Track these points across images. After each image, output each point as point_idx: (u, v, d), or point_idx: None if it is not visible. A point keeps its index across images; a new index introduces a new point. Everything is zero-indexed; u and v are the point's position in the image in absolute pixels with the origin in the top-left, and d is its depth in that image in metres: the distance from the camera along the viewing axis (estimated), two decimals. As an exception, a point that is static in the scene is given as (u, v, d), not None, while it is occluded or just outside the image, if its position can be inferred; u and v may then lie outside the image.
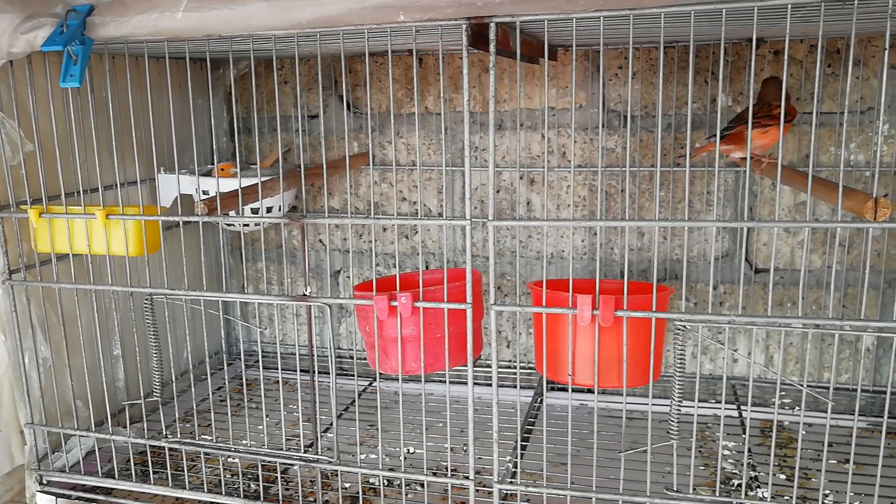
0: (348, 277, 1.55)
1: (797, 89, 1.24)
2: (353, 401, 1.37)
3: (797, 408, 1.29)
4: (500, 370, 1.17)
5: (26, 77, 0.99)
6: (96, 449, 1.13)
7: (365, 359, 1.52)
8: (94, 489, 1.13)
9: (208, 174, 1.32)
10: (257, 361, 1.57)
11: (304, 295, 0.95)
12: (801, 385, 0.80)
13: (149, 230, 1.01)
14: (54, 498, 1.12)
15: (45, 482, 1.13)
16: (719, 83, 0.78)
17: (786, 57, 0.80)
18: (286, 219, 0.95)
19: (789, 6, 0.73)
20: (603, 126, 1.34)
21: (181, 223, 1.00)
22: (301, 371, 1.51)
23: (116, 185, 1.00)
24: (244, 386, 1.05)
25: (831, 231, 1.26)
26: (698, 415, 0.95)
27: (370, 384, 1.44)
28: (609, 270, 1.38)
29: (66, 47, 0.86)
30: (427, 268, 1.48)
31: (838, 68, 1.23)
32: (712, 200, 1.31)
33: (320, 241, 1.55)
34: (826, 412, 1.21)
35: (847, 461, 1.12)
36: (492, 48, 0.81)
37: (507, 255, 1.44)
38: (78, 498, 1.11)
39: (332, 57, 1.44)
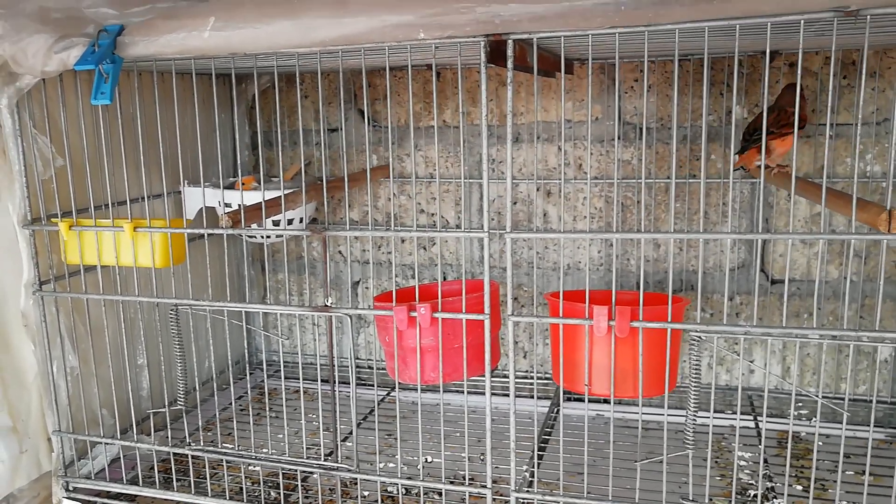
0: (367, 288, 1.57)
1: (813, 101, 1.25)
2: (372, 410, 1.39)
3: (813, 419, 1.29)
4: (516, 381, 1.18)
5: (58, 94, 1.03)
6: (121, 456, 1.16)
7: (382, 369, 1.54)
8: (118, 496, 1.15)
9: (230, 187, 1.34)
10: (277, 371, 1.59)
11: (326, 305, 0.97)
12: (817, 396, 0.81)
13: (174, 242, 1.04)
14: (80, 504, 1.15)
15: (71, 489, 1.15)
16: (734, 95, 0.79)
17: (799, 69, 0.81)
18: (308, 231, 0.97)
19: (802, 21, 0.75)
20: (619, 138, 1.35)
21: (206, 235, 1.03)
22: (319, 381, 1.53)
23: (144, 199, 1.03)
24: (266, 395, 1.07)
25: (847, 242, 1.27)
26: (714, 425, 0.96)
27: (388, 394, 1.45)
28: (625, 281, 1.39)
29: (97, 66, 0.89)
30: (444, 279, 1.50)
31: (854, 80, 1.23)
32: (727, 212, 1.32)
33: (339, 252, 1.57)
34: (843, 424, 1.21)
35: (864, 473, 1.11)
36: (509, 64, 0.83)
37: (523, 266, 1.45)
38: (103, 504, 1.14)
39: (352, 72, 1.47)
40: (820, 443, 0.99)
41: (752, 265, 1.34)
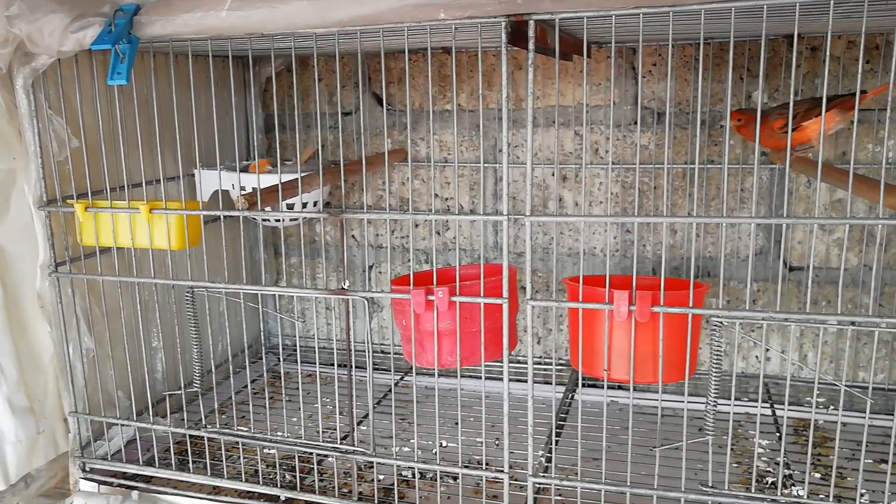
0: (380, 273, 1.56)
1: (834, 86, 1.23)
2: (385, 395, 1.39)
3: (832, 407, 1.28)
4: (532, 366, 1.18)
5: (73, 74, 1.02)
6: (137, 437, 1.16)
7: (397, 353, 1.54)
8: (134, 477, 1.15)
9: (244, 170, 1.34)
10: (290, 355, 1.59)
11: (343, 289, 0.97)
12: (840, 384, 0.80)
13: (190, 224, 1.03)
14: (96, 485, 1.15)
15: (87, 469, 1.16)
16: (760, 80, 0.78)
17: (827, 53, 0.80)
18: (325, 214, 0.96)
19: (832, 2, 0.73)
20: (636, 122, 1.34)
21: (221, 217, 1.02)
22: (331, 365, 1.53)
23: (161, 180, 1.03)
24: (281, 378, 1.07)
25: (868, 229, 1.25)
26: (730, 412, 0.95)
27: (401, 378, 1.45)
28: (641, 267, 1.38)
29: (114, 46, 0.88)
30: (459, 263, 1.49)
31: (877, 64, 1.21)
32: (745, 198, 1.31)
33: (353, 236, 1.56)
34: (860, 411, 1.20)
35: (883, 461, 1.11)
36: (531, 45, 0.82)
37: (538, 251, 1.44)
38: (119, 485, 1.14)
39: (366, 55, 1.46)
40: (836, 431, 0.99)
41: (770, 252, 1.32)
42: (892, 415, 1.21)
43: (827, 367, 1.33)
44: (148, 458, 1.17)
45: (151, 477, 1.15)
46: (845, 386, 0.83)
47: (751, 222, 0.81)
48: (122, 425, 1.18)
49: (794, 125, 1.04)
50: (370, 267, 1.57)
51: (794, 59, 0.80)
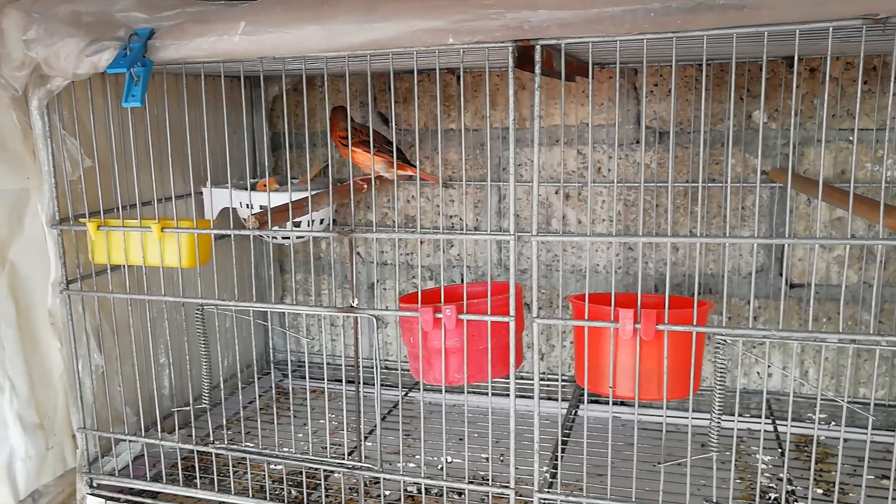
0: (385, 289, 1.58)
1: (833, 105, 1.26)
2: (390, 410, 1.40)
3: (833, 423, 1.29)
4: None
5: (86, 96, 1.04)
6: (145, 453, 1.17)
7: (404, 369, 1.55)
8: (141, 492, 1.16)
9: (252, 188, 1.36)
10: (295, 371, 1.60)
11: (352, 307, 0.98)
12: (842, 400, 0.81)
13: (201, 243, 1.05)
14: (104, 500, 1.16)
15: (95, 485, 1.17)
16: (761, 101, 0.80)
17: (827, 75, 0.82)
18: (335, 233, 0.98)
19: (830, 28, 0.75)
20: (638, 142, 1.36)
21: (232, 236, 1.04)
22: (339, 381, 1.54)
23: (172, 199, 1.04)
24: (290, 394, 1.08)
25: (867, 247, 1.27)
26: (732, 428, 0.97)
27: (406, 394, 1.46)
28: (643, 284, 1.39)
29: (129, 69, 0.90)
30: (463, 281, 1.50)
31: (874, 85, 1.24)
32: (746, 216, 1.32)
33: (358, 253, 1.58)
34: (862, 427, 1.21)
35: (884, 477, 1.12)
36: (537, 69, 0.84)
37: (541, 268, 1.46)
38: (126, 501, 1.15)
39: (372, 75, 1.48)
40: (838, 447, 0.99)
41: (771, 269, 1.34)
42: (894, 431, 1.22)
43: (828, 384, 1.35)
44: (155, 474, 1.18)
45: (158, 493, 1.16)
46: (847, 402, 0.84)
47: (753, 242, 0.83)
48: (130, 441, 1.19)
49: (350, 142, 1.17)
50: (373, 284, 1.59)
51: (794, 81, 0.81)
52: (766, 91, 1.28)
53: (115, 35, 0.94)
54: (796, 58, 0.77)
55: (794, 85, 0.82)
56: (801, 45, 0.98)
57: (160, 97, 1.01)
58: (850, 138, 1.26)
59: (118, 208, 1.05)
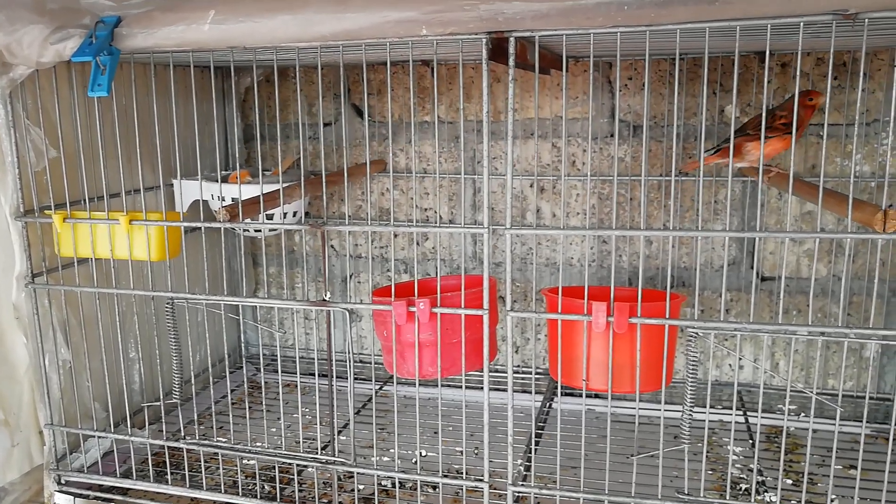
0: (359, 282, 1.57)
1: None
2: (365, 404, 1.39)
3: (803, 414, 1.31)
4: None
5: (51, 85, 1.02)
6: (114, 449, 1.15)
7: (377, 363, 1.54)
8: (111, 489, 1.14)
9: (223, 180, 1.34)
10: (268, 365, 1.59)
11: (324, 300, 0.97)
12: (811, 392, 0.82)
13: (171, 235, 1.03)
14: (72, 498, 1.14)
15: (63, 482, 1.14)
16: (733, 96, 0.80)
17: (798, 71, 0.83)
18: (307, 225, 0.97)
19: (801, 23, 0.76)
20: (612, 136, 1.36)
21: (203, 228, 1.02)
22: (312, 375, 1.53)
23: (141, 191, 1.02)
24: (261, 389, 1.07)
25: (836, 241, 1.29)
26: (704, 420, 0.97)
27: (380, 388, 1.46)
28: (617, 277, 1.40)
29: (95, 58, 0.88)
30: (437, 274, 1.50)
31: (844, 80, 1.25)
32: (719, 209, 1.33)
33: (332, 246, 1.57)
34: (831, 418, 1.23)
35: (852, 467, 1.14)
36: (511, 62, 0.84)
37: (515, 261, 1.46)
38: (95, 498, 1.13)
39: (345, 66, 1.46)
40: (808, 438, 1.01)
41: (742, 262, 1.35)
42: (861, 421, 1.24)
43: (798, 375, 1.37)
44: (125, 470, 1.16)
45: (128, 489, 1.14)
46: (816, 394, 0.85)
47: (725, 236, 0.83)
48: (99, 437, 1.17)
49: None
50: (347, 277, 1.58)
51: (765, 75, 0.82)
52: (738, 86, 1.29)
53: (80, 22, 0.92)
54: (767, 53, 0.77)
55: (766, 80, 0.82)
56: (773, 40, 0.99)
57: (128, 87, 0.99)
58: (821, 133, 1.27)
59: (85, 200, 1.03)
